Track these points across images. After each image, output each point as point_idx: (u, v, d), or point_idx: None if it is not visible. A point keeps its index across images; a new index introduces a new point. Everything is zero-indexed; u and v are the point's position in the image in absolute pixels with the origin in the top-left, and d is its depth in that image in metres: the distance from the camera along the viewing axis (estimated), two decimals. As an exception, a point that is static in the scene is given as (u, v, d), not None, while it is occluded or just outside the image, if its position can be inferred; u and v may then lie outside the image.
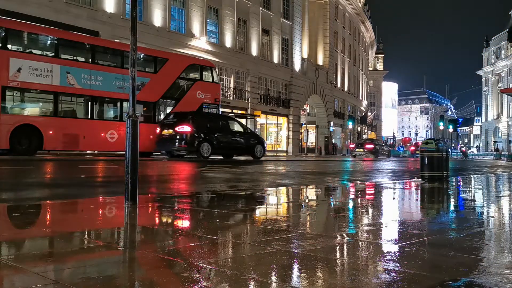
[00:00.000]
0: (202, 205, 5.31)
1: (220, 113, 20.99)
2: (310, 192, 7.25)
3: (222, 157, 18.87)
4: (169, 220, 4.19)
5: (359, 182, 9.77)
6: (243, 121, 32.97)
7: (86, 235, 3.38)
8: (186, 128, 16.74)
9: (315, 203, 5.84)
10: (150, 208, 4.88)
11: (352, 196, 6.78)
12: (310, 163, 20.19)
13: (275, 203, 5.82)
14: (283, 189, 7.41)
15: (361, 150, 36.74)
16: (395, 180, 10.19)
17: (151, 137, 17.37)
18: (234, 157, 19.33)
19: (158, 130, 17.49)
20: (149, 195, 6.00)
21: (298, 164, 18.66)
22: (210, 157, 17.35)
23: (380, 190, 7.70)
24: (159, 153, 19.03)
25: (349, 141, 49.40)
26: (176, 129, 16.77)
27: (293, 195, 6.71)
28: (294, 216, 4.59)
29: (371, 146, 37.03)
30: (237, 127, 19.14)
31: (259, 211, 4.95)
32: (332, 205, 5.65)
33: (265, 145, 20.37)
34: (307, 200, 6.18)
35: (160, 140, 17.35)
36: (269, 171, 12.95)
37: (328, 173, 12.87)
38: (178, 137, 16.73)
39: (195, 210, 4.76)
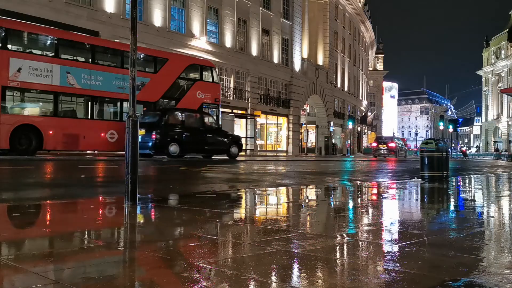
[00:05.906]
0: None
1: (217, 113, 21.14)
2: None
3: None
4: (171, 220, 4.19)
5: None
6: (243, 121, 33.14)
7: (86, 235, 3.38)
8: (393, 144, 36.02)
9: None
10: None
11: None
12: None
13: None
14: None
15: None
16: (395, 180, 10.19)
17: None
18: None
19: (375, 144, 37.18)
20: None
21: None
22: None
23: (380, 190, 7.69)
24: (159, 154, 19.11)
25: (348, 142, 49.47)
26: (389, 145, 35.89)
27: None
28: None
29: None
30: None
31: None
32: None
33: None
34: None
35: (377, 150, 36.04)
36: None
37: (329, 172, 12.86)
38: (388, 149, 35.62)
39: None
